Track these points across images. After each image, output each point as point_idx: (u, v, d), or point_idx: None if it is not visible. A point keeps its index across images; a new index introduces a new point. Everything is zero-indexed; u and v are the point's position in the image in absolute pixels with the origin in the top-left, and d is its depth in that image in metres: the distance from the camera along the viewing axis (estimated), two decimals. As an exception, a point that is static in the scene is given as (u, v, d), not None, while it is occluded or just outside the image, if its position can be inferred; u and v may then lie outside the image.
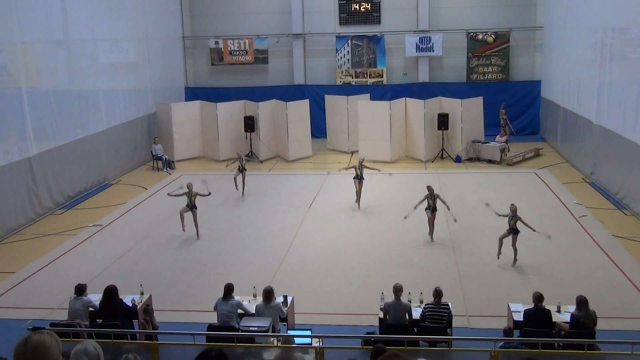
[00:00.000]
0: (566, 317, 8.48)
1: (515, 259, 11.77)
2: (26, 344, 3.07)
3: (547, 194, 16.67)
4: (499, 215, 12.02)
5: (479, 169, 19.79)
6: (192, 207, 13.60)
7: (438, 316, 8.45)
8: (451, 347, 8.01)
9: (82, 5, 18.14)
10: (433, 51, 24.71)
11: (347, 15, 25.30)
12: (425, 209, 13.06)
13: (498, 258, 11.86)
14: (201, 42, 26.26)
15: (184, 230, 13.66)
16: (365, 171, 15.58)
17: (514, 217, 11.66)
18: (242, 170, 16.63)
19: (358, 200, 15.66)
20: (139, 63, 21.95)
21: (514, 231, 11.69)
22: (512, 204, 11.85)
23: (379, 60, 25.34)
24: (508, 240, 11.77)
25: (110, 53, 20.48)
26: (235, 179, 16.82)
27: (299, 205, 16.20)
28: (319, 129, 23.98)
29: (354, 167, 15.71)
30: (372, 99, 22.75)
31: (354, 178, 15.62)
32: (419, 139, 20.86)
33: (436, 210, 13.01)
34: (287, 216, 15.32)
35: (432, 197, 12.93)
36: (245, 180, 16.89)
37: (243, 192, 16.95)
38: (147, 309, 8.95)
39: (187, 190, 13.63)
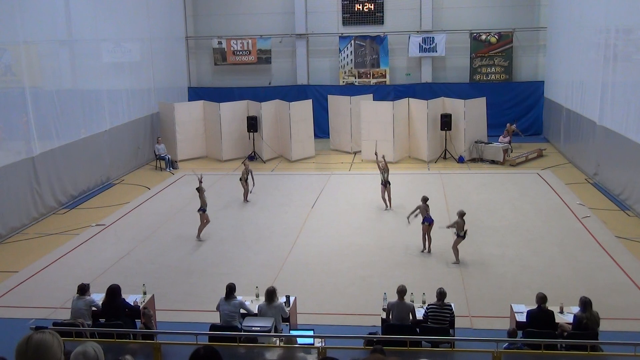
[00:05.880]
0: (569, 318, 8.46)
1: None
2: (28, 343, 3.07)
3: (550, 194, 16.64)
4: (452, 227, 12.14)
5: (482, 170, 19.76)
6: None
7: (441, 317, 8.44)
8: (453, 347, 8.00)
9: (85, 5, 18.19)
10: (436, 51, 24.69)
11: (350, 16, 25.30)
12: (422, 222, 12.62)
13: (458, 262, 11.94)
14: (204, 42, 26.28)
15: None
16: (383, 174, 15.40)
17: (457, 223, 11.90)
18: (245, 180, 16.39)
19: (389, 203, 15.48)
20: (142, 63, 21.98)
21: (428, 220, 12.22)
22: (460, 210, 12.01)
23: (382, 61, 25.32)
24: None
25: (114, 53, 20.51)
26: (246, 186, 16.54)
27: (301, 205, 16.20)
28: (321, 129, 24.01)
29: (378, 167, 15.42)
30: (375, 99, 22.73)
31: (381, 184, 15.40)
32: (422, 140, 20.84)
33: (432, 222, 12.54)
34: (289, 216, 15.32)
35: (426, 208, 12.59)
36: (249, 187, 16.67)
37: (247, 198, 16.63)
38: (145, 313, 8.89)
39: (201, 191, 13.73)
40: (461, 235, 11.79)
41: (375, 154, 16.00)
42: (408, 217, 12.84)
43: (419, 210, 12.56)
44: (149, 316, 8.79)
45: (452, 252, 11.96)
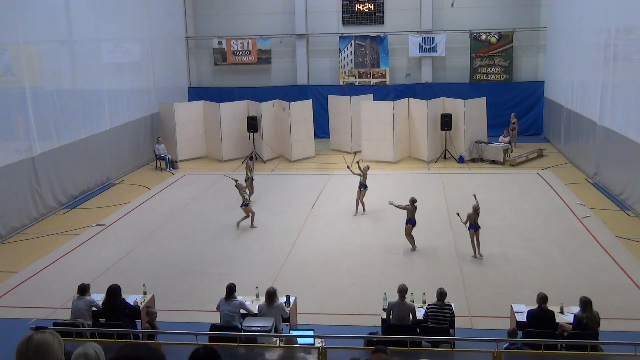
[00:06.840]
0: (569, 318, 8.47)
1: (479, 254, 12.15)
2: (28, 344, 3.07)
3: (550, 194, 16.64)
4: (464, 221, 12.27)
5: (482, 170, 19.75)
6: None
7: (441, 317, 8.44)
8: (454, 347, 8.00)
9: (85, 5, 18.18)
10: (436, 51, 24.69)
11: (351, 16, 25.30)
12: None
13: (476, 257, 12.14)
14: (204, 42, 26.28)
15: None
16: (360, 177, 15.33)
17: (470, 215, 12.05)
18: (247, 179, 16.29)
19: (357, 208, 15.30)
20: (143, 63, 21.98)
21: (474, 227, 12.08)
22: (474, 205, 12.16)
23: (382, 61, 25.32)
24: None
25: (114, 53, 20.50)
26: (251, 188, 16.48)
27: (301, 205, 16.19)
28: (321, 129, 24.00)
29: (359, 174, 15.24)
30: (375, 99, 22.73)
31: (359, 187, 15.27)
32: (422, 140, 20.84)
33: (414, 223, 12.65)
34: (290, 216, 15.32)
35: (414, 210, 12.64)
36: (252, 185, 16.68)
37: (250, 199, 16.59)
38: (149, 311, 8.92)
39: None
40: (468, 226, 12.07)
41: (349, 166, 15.92)
42: (392, 203, 13.00)
43: (406, 209, 12.64)
44: (152, 313, 8.80)
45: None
